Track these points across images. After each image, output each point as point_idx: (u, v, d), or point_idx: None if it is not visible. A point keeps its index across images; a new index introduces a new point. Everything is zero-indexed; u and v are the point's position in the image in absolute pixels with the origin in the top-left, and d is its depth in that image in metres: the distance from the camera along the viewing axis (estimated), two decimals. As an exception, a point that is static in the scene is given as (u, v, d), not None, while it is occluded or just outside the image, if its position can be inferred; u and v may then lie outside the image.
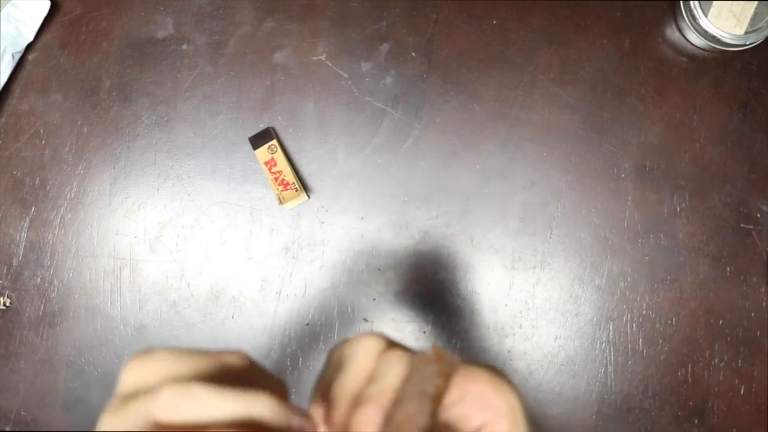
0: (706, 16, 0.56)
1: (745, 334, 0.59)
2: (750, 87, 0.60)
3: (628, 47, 0.60)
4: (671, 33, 0.60)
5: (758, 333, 0.59)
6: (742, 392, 0.58)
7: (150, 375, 0.23)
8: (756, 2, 0.56)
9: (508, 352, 0.60)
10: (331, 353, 0.28)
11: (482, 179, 0.60)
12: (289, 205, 0.59)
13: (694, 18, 0.56)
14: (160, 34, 0.61)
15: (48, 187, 0.61)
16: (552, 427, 0.59)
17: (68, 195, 0.61)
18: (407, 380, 0.24)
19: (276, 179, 0.58)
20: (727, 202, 0.59)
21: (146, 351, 0.24)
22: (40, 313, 0.61)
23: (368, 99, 0.60)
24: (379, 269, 0.60)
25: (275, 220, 0.61)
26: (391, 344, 0.26)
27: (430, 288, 0.60)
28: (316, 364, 0.60)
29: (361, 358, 0.26)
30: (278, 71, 0.61)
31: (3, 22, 0.59)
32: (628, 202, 0.59)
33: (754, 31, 0.56)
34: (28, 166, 0.61)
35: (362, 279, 0.60)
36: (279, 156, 0.59)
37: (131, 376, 0.24)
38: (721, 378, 0.59)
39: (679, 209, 0.59)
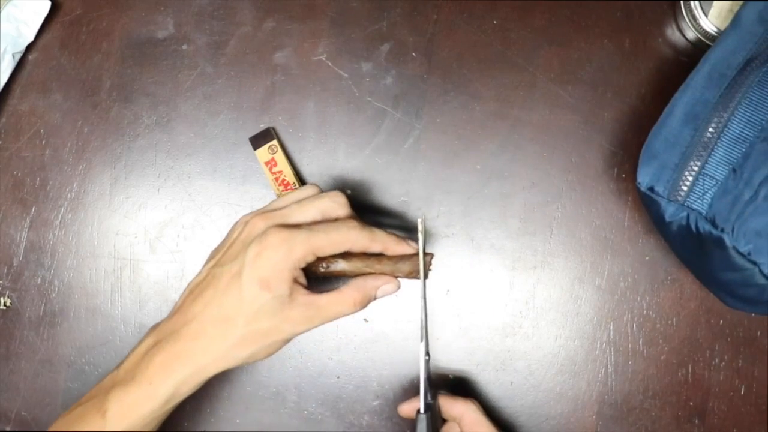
0: (706, 16, 0.56)
1: (746, 334, 0.59)
2: (750, 87, 0.60)
3: (629, 47, 0.60)
4: (671, 33, 0.60)
5: (758, 333, 0.59)
6: (742, 392, 0.58)
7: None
8: (756, 2, 0.56)
9: (508, 352, 0.60)
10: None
11: (482, 179, 0.60)
12: (289, 205, 0.59)
13: (694, 18, 0.56)
14: (161, 34, 0.61)
15: (48, 187, 0.61)
16: (552, 427, 0.59)
17: (69, 195, 0.61)
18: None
19: (276, 179, 0.58)
20: (728, 202, 0.59)
21: None
22: (41, 313, 0.61)
23: (368, 99, 0.60)
24: (379, 269, 0.60)
25: (275, 220, 0.60)
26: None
27: (431, 288, 0.60)
28: (317, 364, 0.60)
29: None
30: (278, 71, 0.61)
31: (3, 22, 0.59)
32: (629, 202, 0.59)
33: (754, 31, 0.56)
34: (28, 166, 0.61)
35: (362, 279, 0.60)
36: (279, 156, 0.59)
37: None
38: (721, 378, 0.59)
39: (679, 209, 0.59)
